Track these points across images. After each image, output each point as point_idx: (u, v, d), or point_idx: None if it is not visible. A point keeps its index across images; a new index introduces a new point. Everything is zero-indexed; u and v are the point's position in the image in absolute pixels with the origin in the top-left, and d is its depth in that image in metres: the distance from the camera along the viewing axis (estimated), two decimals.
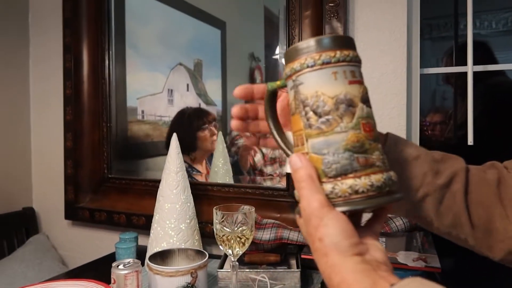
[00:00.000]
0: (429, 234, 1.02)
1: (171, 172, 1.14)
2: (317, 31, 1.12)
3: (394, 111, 1.09)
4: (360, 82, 0.44)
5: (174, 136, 1.17)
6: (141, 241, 1.30)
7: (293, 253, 1.11)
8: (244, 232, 0.85)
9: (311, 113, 0.43)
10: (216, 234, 0.87)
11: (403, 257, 0.86)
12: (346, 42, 0.44)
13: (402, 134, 1.09)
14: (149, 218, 1.30)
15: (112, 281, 0.85)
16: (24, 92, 1.62)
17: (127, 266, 0.86)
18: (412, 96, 1.13)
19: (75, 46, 1.45)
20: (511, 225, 0.53)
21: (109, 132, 1.48)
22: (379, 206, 0.43)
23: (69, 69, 1.46)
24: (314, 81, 0.43)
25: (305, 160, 0.42)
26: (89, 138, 1.45)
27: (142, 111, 1.54)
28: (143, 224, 1.35)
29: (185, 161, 1.20)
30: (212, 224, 1.25)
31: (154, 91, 1.50)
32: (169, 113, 1.48)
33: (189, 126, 1.43)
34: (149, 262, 0.92)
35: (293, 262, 1.07)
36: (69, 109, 1.46)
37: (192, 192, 1.17)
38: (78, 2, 1.44)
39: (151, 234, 1.14)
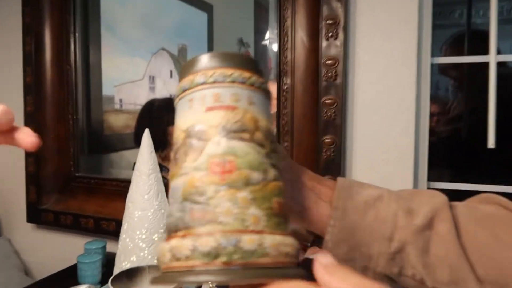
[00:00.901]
0: None
1: (142, 175, 0.98)
2: (313, 12, 0.96)
3: (402, 105, 0.94)
4: (228, 107, 0.33)
5: (146, 133, 1.01)
6: (112, 247, 1.15)
7: None
8: None
9: (172, 154, 0.34)
10: None
11: None
12: (213, 60, 0.35)
13: (411, 130, 0.94)
14: (120, 224, 1.15)
15: None
16: None
17: None
18: (421, 88, 0.98)
19: (36, 27, 1.27)
20: None
21: (76, 125, 1.31)
22: (196, 284, 0.29)
23: (29, 53, 1.28)
24: (176, 114, 0.35)
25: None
26: (53, 132, 1.29)
27: (120, 100, 1.42)
28: (113, 230, 1.20)
29: None
30: None
31: (133, 78, 1.38)
32: None
33: (158, 120, 1.28)
34: (110, 287, 0.77)
35: None
36: (30, 98, 1.28)
37: (167, 196, 1.02)
38: None
39: (119, 246, 0.99)
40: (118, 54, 1.40)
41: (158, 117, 1.31)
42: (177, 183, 0.32)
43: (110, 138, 1.41)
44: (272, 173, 0.33)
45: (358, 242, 0.43)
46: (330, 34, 0.93)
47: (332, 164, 0.96)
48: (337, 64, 0.93)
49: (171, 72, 1.36)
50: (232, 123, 0.32)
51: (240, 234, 0.29)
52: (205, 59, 0.35)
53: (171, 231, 0.32)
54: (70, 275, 1.06)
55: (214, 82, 0.33)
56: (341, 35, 0.92)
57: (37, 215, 1.31)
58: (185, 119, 0.34)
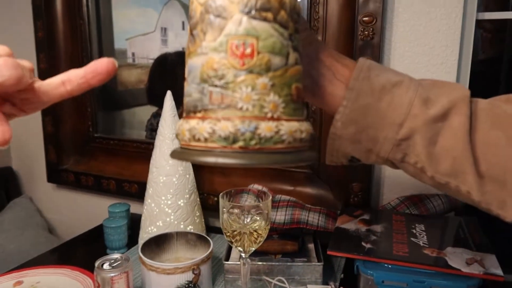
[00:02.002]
0: (474, 216, 0.86)
1: (166, 139, 0.94)
2: None
3: (442, 68, 0.88)
4: None
5: (169, 95, 0.96)
6: (135, 208, 1.14)
7: (309, 233, 0.95)
8: (257, 226, 0.68)
9: (188, 27, 0.34)
10: (224, 227, 0.70)
11: (453, 257, 0.70)
12: None
13: None
14: (142, 186, 1.14)
15: (96, 284, 0.69)
16: None
17: (114, 265, 0.70)
18: (463, 48, 0.91)
19: None
20: None
21: None
22: (213, 164, 0.31)
23: (38, 6, 1.20)
24: None
25: None
26: None
27: (133, 54, 1.36)
28: (136, 192, 1.18)
29: None
30: (214, 195, 1.09)
31: (145, 30, 1.30)
32: None
33: (172, 75, 1.22)
34: (141, 256, 0.77)
35: (311, 246, 0.91)
36: (43, 56, 1.22)
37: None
38: None
39: (144, 211, 0.97)
40: (128, 4, 1.32)
41: (172, 72, 1.25)
42: (195, 62, 0.32)
43: (124, 94, 1.36)
44: (293, 57, 0.32)
45: (367, 125, 0.43)
46: None
47: None
48: (375, 22, 0.85)
49: (183, 23, 1.28)
50: (255, 0, 0.30)
51: (258, 120, 0.30)
52: None
53: (190, 111, 0.33)
54: (96, 237, 1.06)
55: None
56: None
57: (57, 175, 1.30)
58: None
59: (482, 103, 0.43)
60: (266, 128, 0.30)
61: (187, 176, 0.97)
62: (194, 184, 0.99)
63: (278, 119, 0.31)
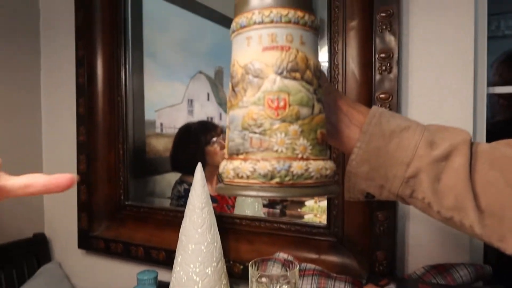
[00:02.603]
0: (501, 285, 0.85)
1: (196, 208, 0.99)
2: (365, 45, 0.95)
3: None
4: (282, 48, 0.37)
5: (199, 167, 1.03)
6: (162, 275, 1.17)
7: None
8: None
9: (230, 84, 0.40)
10: None
11: None
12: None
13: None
14: (169, 253, 1.17)
15: None
16: (35, 114, 1.50)
17: None
18: (477, 121, 0.96)
19: (89, 60, 1.32)
20: None
21: (126, 154, 1.34)
22: (255, 196, 0.38)
23: (82, 84, 1.33)
24: (233, 49, 0.40)
25: None
26: (104, 160, 1.32)
27: (161, 124, 1.47)
28: (163, 259, 1.21)
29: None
30: (240, 263, 1.12)
31: (173, 102, 1.41)
32: None
33: (196, 142, 1.30)
34: None
35: None
36: (82, 129, 1.33)
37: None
38: (91, 11, 1.31)
39: (172, 279, 1.00)
40: (158, 79, 1.44)
41: (195, 139, 1.33)
42: (237, 114, 0.38)
43: (152, 161, 1.44)
44: (317, 107, 0.39)
45: (379, 164, 0.48)
46: (384, 68, 0.92)
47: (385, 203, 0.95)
48: (391, 98, 0.92)
49: (208, 95, 1.39)
50: (286, 63, 0.37)
51: (291, 160, 0.37)
52: None
53: (233, 153, 0.39)
54: None
55: (271, 22, 0.37)
56: (394, 69, 0.92)
57: (88, 241, 1.34)
58: (243, 56, 0.38)
59: (483, 146, 0.48)
60: (297, 167, 0.37)
61: (215, 244, 1.00)
62: (221, 252, 1.02)
63: (307, 159, 0.38)
